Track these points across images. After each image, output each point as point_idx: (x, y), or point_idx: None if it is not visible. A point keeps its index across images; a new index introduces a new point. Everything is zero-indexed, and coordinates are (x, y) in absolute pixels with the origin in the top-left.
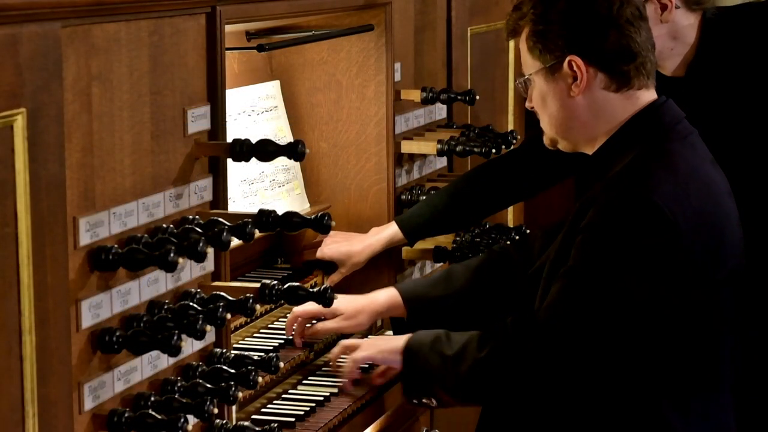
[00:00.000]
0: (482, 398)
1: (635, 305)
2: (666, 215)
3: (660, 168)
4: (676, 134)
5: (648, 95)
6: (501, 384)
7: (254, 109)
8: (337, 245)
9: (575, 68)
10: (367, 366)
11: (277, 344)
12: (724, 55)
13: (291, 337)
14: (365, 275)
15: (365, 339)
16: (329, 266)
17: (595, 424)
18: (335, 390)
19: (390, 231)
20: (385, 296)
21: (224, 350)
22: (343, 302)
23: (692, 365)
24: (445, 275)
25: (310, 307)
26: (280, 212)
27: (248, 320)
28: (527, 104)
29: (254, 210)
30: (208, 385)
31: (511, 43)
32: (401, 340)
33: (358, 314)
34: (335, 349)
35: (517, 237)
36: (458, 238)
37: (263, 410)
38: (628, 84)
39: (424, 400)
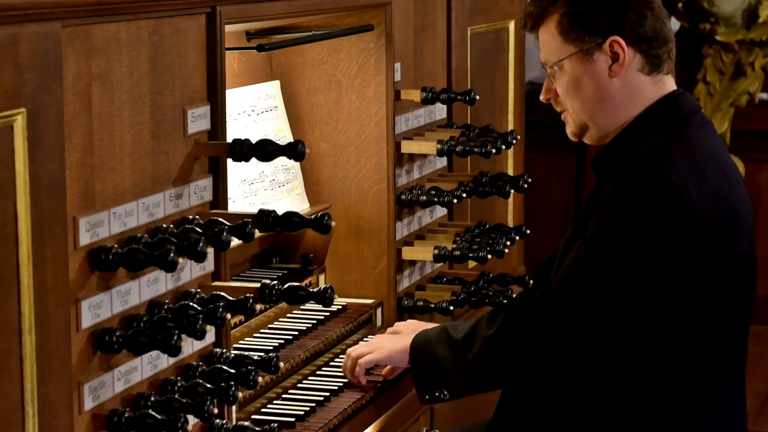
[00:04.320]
0: (494, 380)
1: (647, 281)
2: (682, 194)
3: (678, 149)
4: (694, 121)
5: (671, 83)
6: (512, 360)
7: (254, 109)
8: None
9: (617, 49)
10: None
11: (277, 344)
12: None
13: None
14: (366, 275)
15: (371, 342)
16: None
17: (606, 414)
18: (335, 389)
19: None
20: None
21: (224, 350)
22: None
23: (706, 352)
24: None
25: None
26: (280, 212)
27: (242, 320)
28: (543, 96)
29: (254, 210)
30: (208, 385)
31: (512, 43)
32: (408, 338)
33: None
34: (347, 362)
35: (517, 237)
36: (458, 239)
37: (263, 410)
38: (659, 68)
39: (436, 394)
